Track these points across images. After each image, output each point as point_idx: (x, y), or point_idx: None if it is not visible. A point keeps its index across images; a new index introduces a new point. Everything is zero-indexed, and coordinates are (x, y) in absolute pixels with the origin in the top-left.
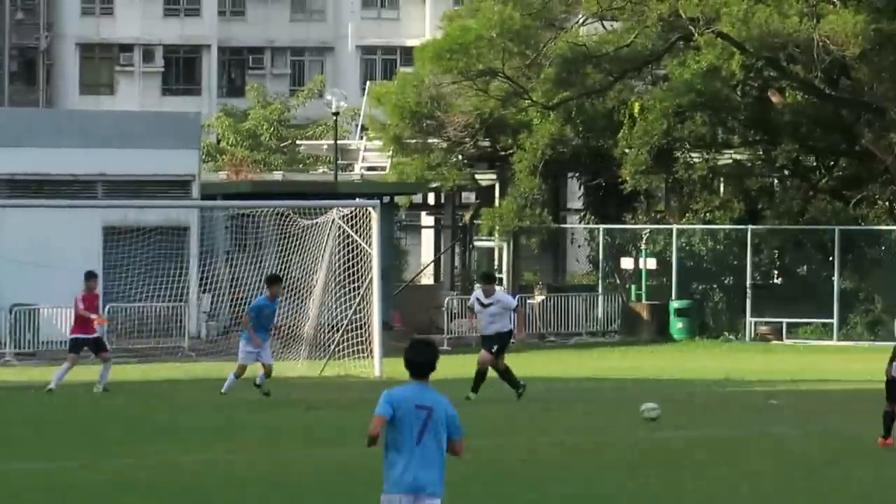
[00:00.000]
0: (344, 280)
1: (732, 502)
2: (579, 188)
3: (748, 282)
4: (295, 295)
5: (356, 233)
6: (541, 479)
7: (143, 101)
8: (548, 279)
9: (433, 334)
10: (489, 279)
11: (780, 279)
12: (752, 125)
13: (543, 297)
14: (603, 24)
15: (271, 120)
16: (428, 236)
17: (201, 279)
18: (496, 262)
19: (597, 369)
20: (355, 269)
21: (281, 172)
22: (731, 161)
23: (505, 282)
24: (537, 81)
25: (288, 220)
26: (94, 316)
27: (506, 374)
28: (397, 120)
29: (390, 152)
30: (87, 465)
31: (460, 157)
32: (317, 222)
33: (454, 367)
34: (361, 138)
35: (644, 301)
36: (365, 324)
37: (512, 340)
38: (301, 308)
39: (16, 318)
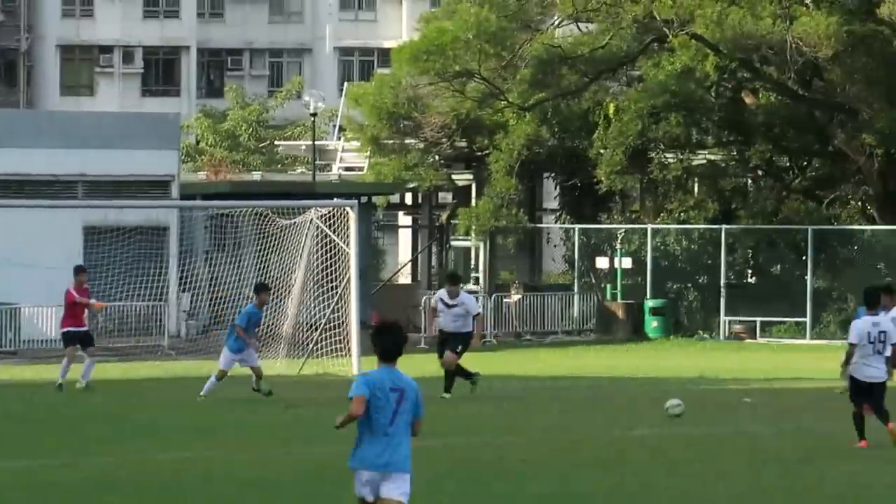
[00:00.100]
0: (322, 279)
1: (706, 500)
2: (555, 188)
3: (722, 281)
4: (274, 294)
5: (334, 232)
6: (516, 477)
7: (122, 102)
8: (524, 278)
9: (410, 333)
10: (454, 280)
11: (753, 278)
12: (726, 126)
13: (520, 296)
14: (578, 26)
15: (250, 121)
16: (405, 236)
17: (181, 278)
18: (473, 262)
19: (572, 368)
20: (333, 268)
21: (259, 173)
22: (705, 161)
23: (481, 281)
24: (513, 83)
25: (266, 219)
26: (92, 300)
27: (457, 370)
28: (375, 121)
29: (368, 153)
30: (67, 463)
31: (437, 157)
32: (295, 222)
33: (433, 365)
34: (339, 139)
35: (619, 300)
36: (343, 323)
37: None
38: (280, 307)
39: None
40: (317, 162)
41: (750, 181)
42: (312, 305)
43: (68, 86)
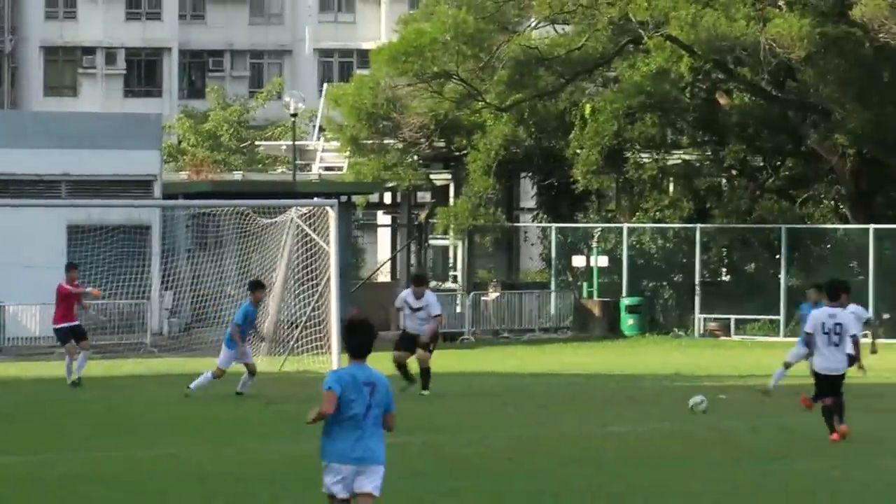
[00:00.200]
0: (303, 277)
1: (683, 496)
2: (532, 188)
3: (697, 279)
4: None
5: (314, 231)
6: (496, 474)
7: (105, 102)
8: (502, 276)
9: (390, 331)
10: (420, 281)
11: (728, 277)
12: (701, 126)
13: (497, 293)
14: (555, 28)
15: (231, 121)
16: (384, 235)
17: (163, 277)
18: (451, 260)
19: (549, 365)
20: (314, 266)
21: (241, 172)
22: (680, 161)
23: (460, 279)
24: (491, 83)
25: (248, 218)
26: (89, 288)
27: (404, 368)
28: (354, 121)
29: (347, 153)
30: (52, 459)
31: (416, 157)
32: (276, 221)
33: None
34: (319, 139)
35: (595, 298)
36: (323, 320)
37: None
38: (261, 305)
39: None
40: (297, 162)
41: (724, 181)
42: (293, 303)
43: (52, 86)
